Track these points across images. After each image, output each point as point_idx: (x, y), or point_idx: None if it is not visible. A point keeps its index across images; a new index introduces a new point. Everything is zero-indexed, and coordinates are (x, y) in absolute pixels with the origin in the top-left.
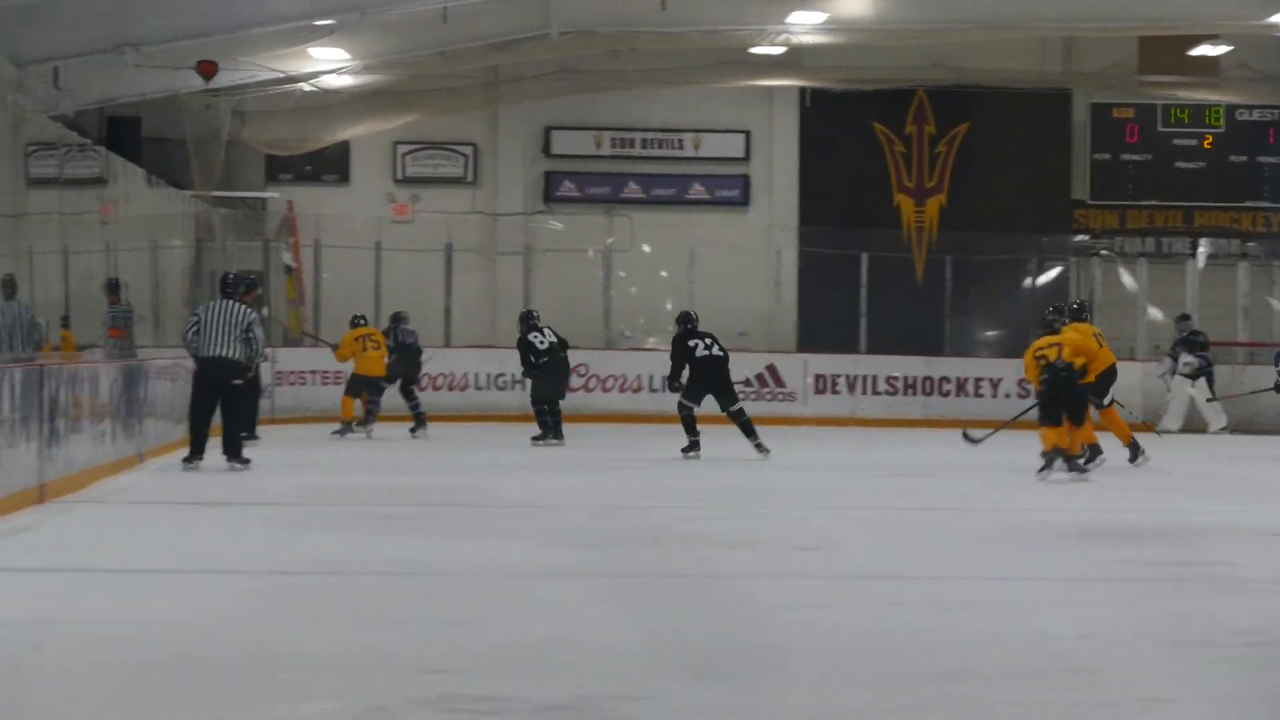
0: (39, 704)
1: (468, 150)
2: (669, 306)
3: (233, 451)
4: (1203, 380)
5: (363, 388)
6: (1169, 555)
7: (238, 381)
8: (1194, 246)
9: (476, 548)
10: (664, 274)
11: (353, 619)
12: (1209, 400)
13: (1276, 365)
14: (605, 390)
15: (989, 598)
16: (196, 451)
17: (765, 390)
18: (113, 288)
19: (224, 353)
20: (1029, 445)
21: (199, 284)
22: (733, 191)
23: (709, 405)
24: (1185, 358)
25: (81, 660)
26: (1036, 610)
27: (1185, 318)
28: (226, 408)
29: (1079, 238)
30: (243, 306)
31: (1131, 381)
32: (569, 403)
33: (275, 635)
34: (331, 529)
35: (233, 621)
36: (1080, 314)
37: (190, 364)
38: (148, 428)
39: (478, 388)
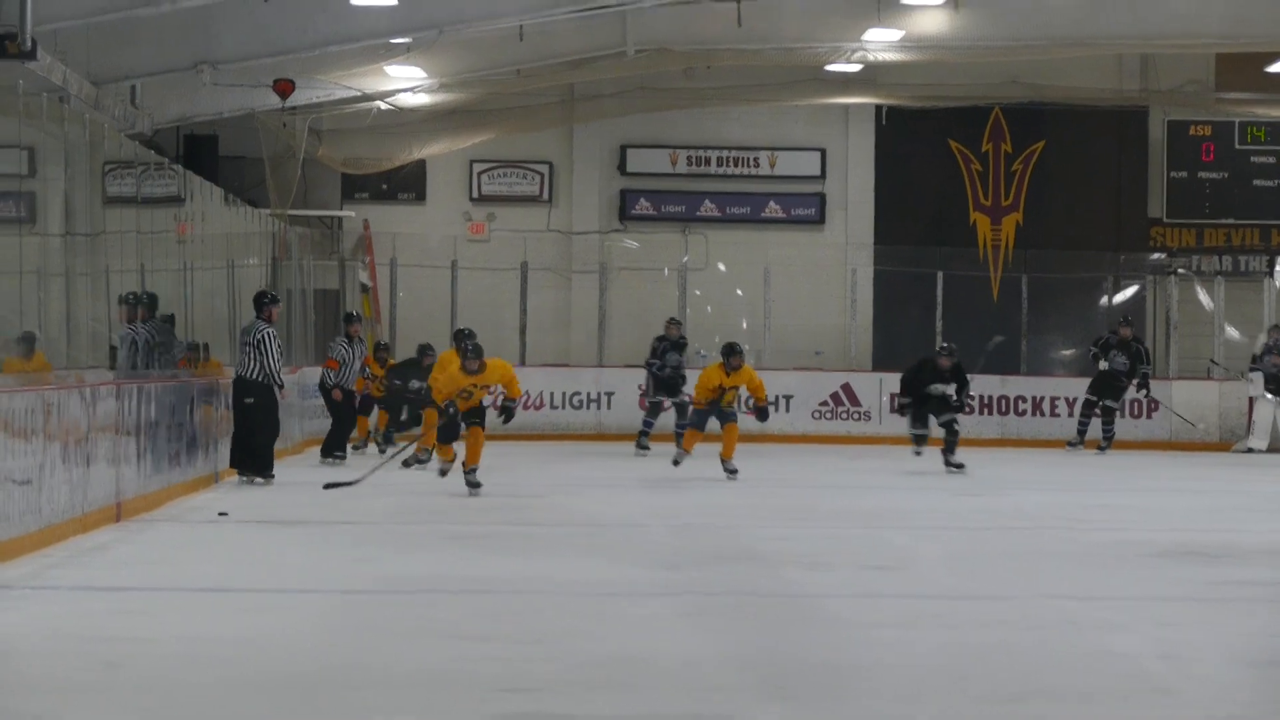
0: (124, 719)
1: (543, 168)
2: (744, 325)
3: (244, 465)
4: None
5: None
6: (1249, 575)
7: (249, 399)
8: (1271, 265)
9: (553, 566)
10: (739, 292)
11: (430, 637)
12: None
13: None
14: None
15: (1066, 617)
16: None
17: (840, 409)
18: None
19: (240, 371)
20: (1108, 462)
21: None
22: (808, 210)
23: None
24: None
25: (157, 679)
26: (1114, 629)
27: (1278, 328)
28: (242, 423)
29: (1155, 256)
30: (258, 322)
31: (1209, 400)
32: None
33: (352, 654)
34: (409, 548)
35: (310, 640)
36: None
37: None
38: (224, 447)
39: (552, 407)
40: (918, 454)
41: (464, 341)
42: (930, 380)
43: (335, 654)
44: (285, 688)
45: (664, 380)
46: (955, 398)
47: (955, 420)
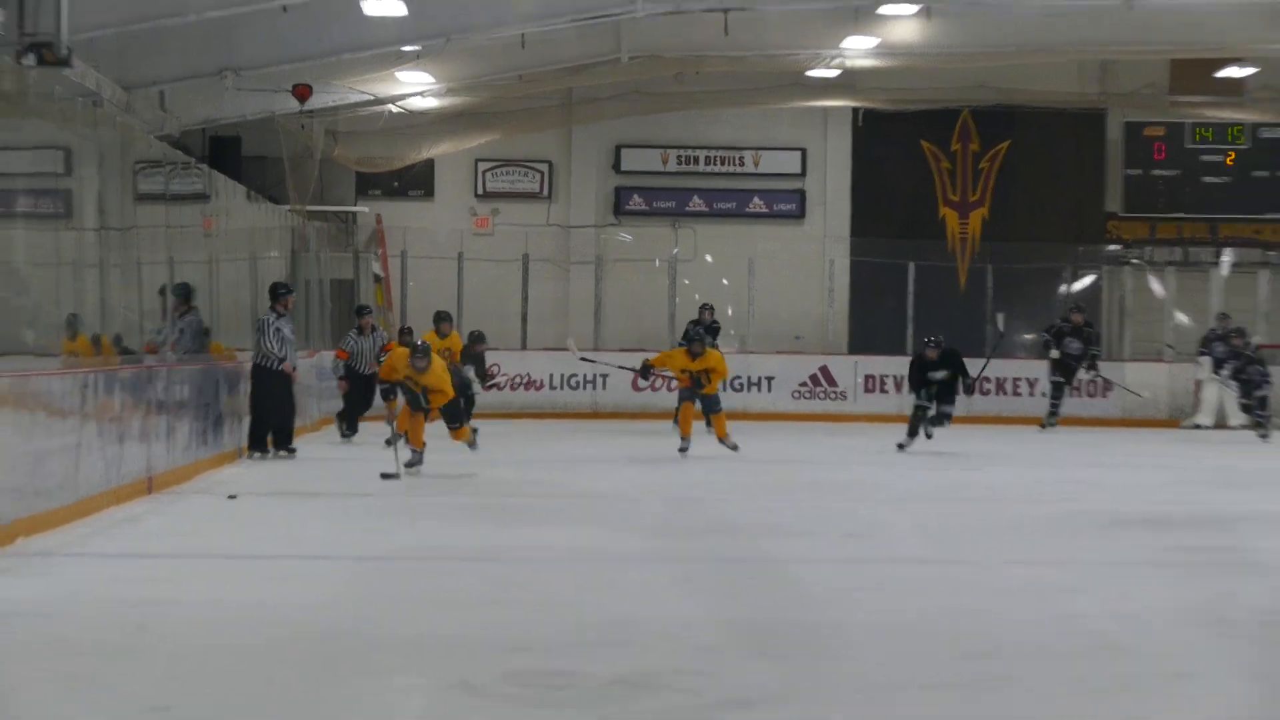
0: (143, 681)
1: (543, 167)
2: (730, 312)
3: (258, 444)
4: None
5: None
6: (1196, 541)
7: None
8: (1218, 256)
9: (554, 535)
10: (725, 282)
11: (442, 602)
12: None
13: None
14: (670, 390)
15: (1026, 581)
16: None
17: (819, 389)
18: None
19: (254, 357)
20: (1065, 439)
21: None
22: (789, 205)
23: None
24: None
25: (184, 641)
26: (1071, 592)
27: (1225, 316)
28: (256, 405)
29: (1111, 248)
30: (268, 312)
31: (1160, 381)
32: (644, 400)
33: (367, 617)
34: (421, 519)
35: (329, 605)
36: None
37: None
38: (247, 425)
39: (551, 388)
40: (929, 435)
41: (416, 349)
42: (925, 371)
43: (352, 618)
44: (305, 649)
45: None
46: (963, 380)
47: (950, 410)
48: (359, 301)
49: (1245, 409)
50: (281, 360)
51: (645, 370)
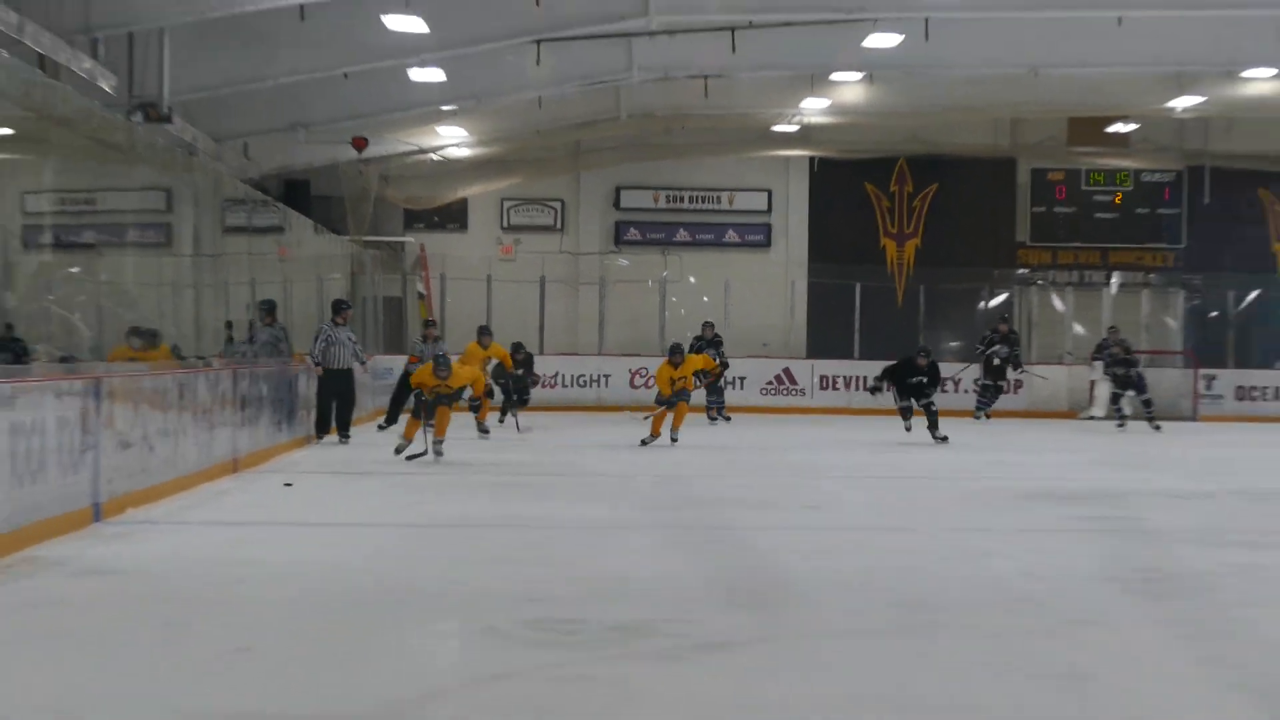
0: (229, 627)
1: (556, 204)
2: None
3: (323, 431)
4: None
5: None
6: (1092, 512)
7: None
8: (1108, 278)
9: (563, 507)
10: (705, 299)
11: (472, 561)
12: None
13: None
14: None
15: (954, 545)
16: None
17: (782, 387)
18: (268, 308)
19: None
20: (984, 428)
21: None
22: (758, 236)
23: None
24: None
25: (263, 594)
26: (994, 555)
27: (1114, 329)
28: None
29: (1021, 271)
30: (322, 324)
31: (1061, 380)
32: (636, 396)
33: (411, 574)
34: (452, 494)
35: (378, 564)
36: None
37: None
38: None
39: (564, 386)
40: (908, 429)
41: (438, 359)
42: (909, 375)
43: (399, 575)
44: (362, 600)
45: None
46: (928, 388)
47: (932, 403)
48: (407, 315)
49: (1115, 399)
50: (317, 363)
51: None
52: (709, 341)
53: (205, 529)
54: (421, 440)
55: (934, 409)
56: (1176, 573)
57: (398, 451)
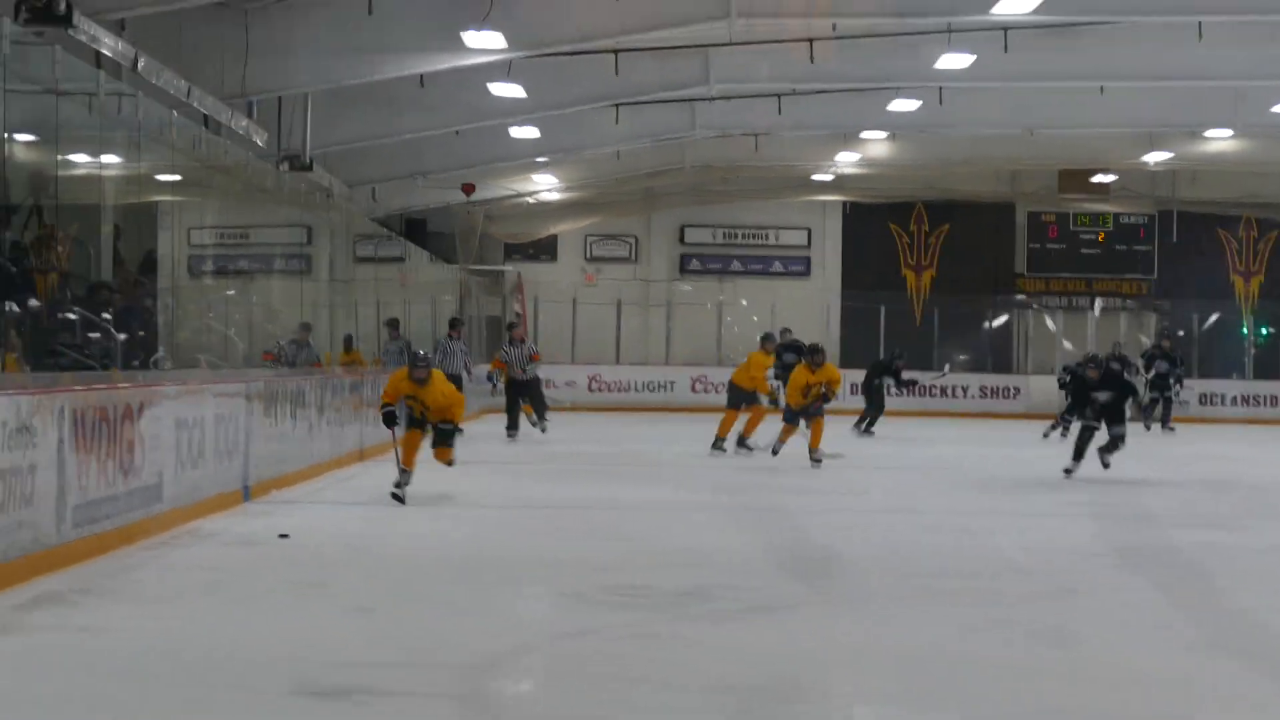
0: (354, 590)
1: (631, 240)
2: (757, 338)
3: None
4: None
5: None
6: (1077, 498)
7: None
8: (1093, 303)
9: (632, 491)
10: (755, 319)
11: (558, 536)
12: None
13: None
14: (717, 392)
15: (962, 525)
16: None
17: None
18: (393, 325)
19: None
20: (993, 426)
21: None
22: (799, 267)
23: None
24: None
25: (388, 561)
26: (992, 532)
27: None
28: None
29: (1019, 297)
30: (441, 339)
31: (1054, 389)
32: (697, 398)
33: (503, 546)
34: (541, 480)
35: (479, 537)
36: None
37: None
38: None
39: (635, 391)
40: (1071, 468)
41: (416, 358)
42: (1088, 389)
43: (496, 546)
44: (465, 567)
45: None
46: (1114, 406)
47: (1123, 431)
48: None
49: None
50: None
51: (793, 415)
52: (790, 346)
53: (336, 508)
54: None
55: (1122, 435)
56: (1152, 549)
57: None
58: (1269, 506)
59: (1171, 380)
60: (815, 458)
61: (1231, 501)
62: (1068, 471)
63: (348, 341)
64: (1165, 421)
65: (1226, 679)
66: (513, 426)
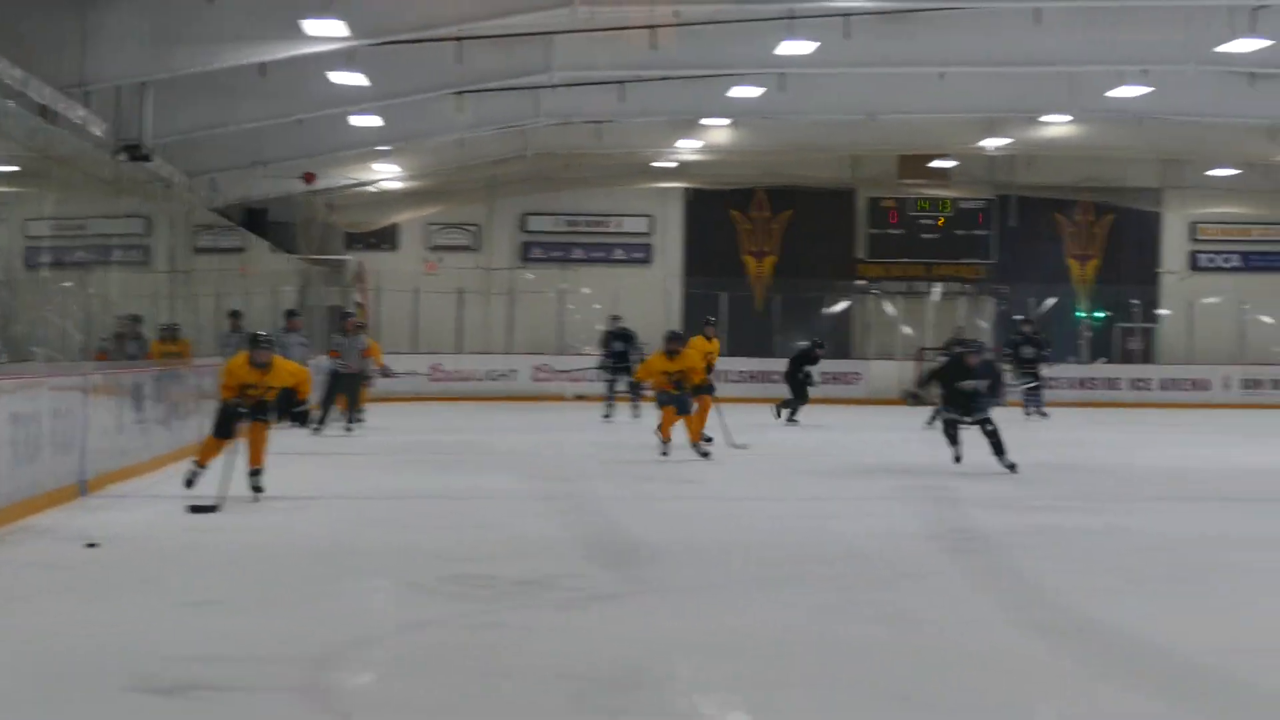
0: (203, 580)
1: (474, 228)
2: (598, 327)
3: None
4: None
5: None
6: (920, 484)
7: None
8: (931, 288)
9: (481, 480)
10: (597, 306)
11: (400, 527)
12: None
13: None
14: (559, 380)
15: (804, 510)
16: None
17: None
18: (235, 316)
19: None
20: (832, 413)
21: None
22: (641, 254)
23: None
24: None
25: (228, 554)
26: (838, 518)
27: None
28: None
29: (859, 282)
30: (280, 332)
31: (893, 373)
32: (542, 386)
33: (348, 536)
34: (389, 470)
35: (323, 529)
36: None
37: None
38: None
39: (478, 380)
40: (957, 459)
41: (256, 339)
42: (958, 377)
43: (335, 538)
44: (305, 560)
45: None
46: (984, 398)
47: (989, 421)
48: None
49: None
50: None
51: (635, 388)
52: (618, 334)
53: (174, 502)
54: (225, 473)
55: (994, 430)
56: (985, 533)
57: (187, 485)
58: (1103, 489)
59: (1039, 365)
60: (702, 451)
61: (1062, 484)
62: (958, 459)
63: (171, 331)
64: (1039, 406)
65: (1044, 657)
66: (321, 421)
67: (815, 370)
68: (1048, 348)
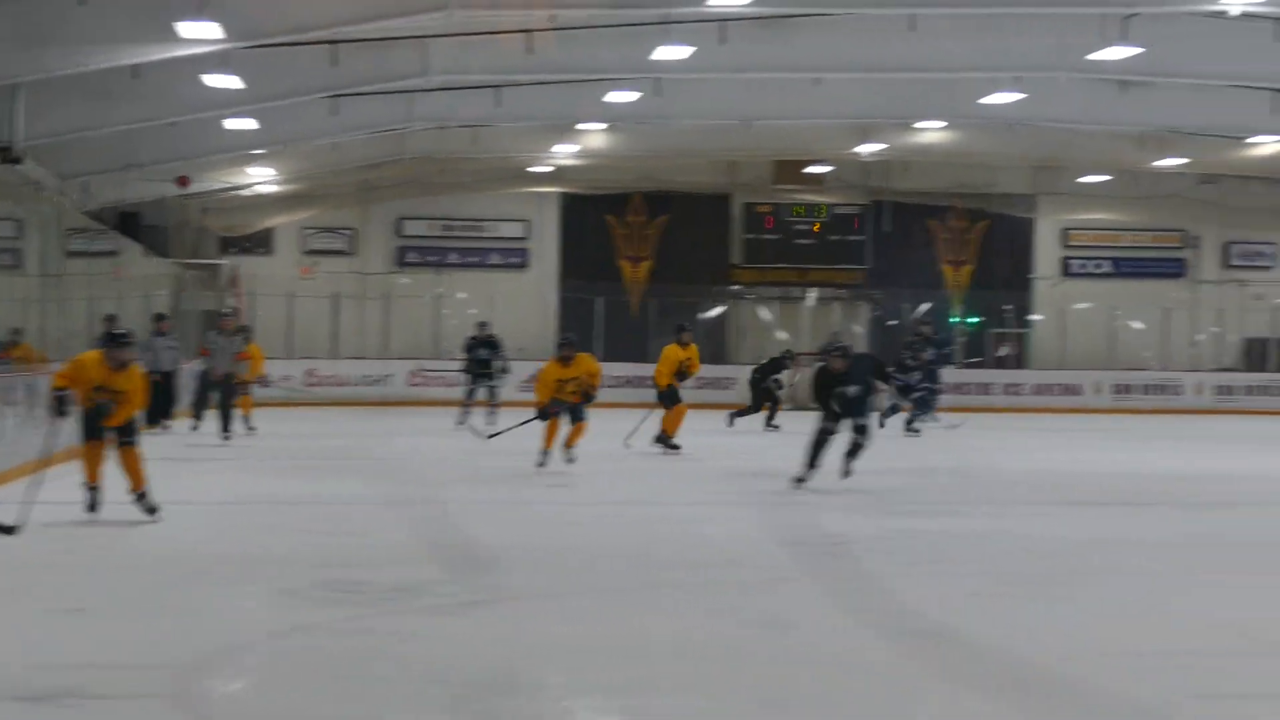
0: (72, 588)
1: (349, 232)
2: (467, 334)
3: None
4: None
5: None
6: (784, 487)
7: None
8: (806, 293)
9: (355, 486)
10: (473, 311)
11: (273, 533)
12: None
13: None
14: (432, 385)
15: (678, 514)
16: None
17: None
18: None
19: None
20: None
21: (176, 319)
22: (517, 259)
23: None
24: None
25: (98, 561)
26: (708, 522)
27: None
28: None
29: (734, 287)
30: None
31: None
32: (411, 392)
33: (224, 544)
34: (264, 475)
35: (195, 536)
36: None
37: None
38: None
39: (354, 385)
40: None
41: (118, 338)
42: (832, 384)
43: (207, 544)
44: (176, 567)
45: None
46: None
47: (866, 426)
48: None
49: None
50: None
51: (544, 413)
52: (484, 342)
53: (44, 508)
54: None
55: (863, 441)
56: (855, 537)
57: (90, 509)
58: (973, 494)
59: (939, 367)
60: (569, 458)
61: (932, 489)
62: (799, 480)
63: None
64: (930, 411)
65: (896, 660)
66: (226, 428)
67: (785, 377)
68: (947, 347)
